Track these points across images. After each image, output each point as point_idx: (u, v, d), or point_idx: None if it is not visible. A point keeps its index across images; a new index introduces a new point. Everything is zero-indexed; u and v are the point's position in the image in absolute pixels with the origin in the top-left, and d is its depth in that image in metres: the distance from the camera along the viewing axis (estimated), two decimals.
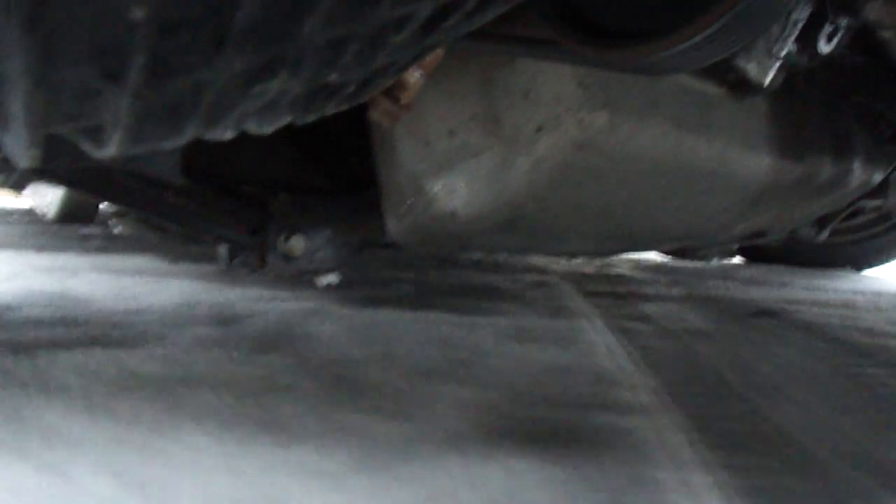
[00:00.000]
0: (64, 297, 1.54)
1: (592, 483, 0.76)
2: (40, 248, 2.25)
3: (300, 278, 1.72)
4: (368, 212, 1.37)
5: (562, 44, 0.71)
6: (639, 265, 2.70)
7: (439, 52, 0.89)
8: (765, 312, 1.78)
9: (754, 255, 3.17)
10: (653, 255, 3.40)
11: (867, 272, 2.95)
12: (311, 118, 0.58)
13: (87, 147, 0.47)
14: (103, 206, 3.63)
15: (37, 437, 0.81)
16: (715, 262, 2.45)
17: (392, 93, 0.94)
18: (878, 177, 1.36)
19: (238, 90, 0.47)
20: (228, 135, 0.53)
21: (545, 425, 0.91)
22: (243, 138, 0.59)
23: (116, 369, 1.04)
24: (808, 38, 0.96)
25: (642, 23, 0.67)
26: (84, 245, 2.51)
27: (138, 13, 0.36)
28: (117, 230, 1.46)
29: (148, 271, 1.92)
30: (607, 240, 1.37)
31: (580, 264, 2.47)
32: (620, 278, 2.25)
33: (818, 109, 1.20)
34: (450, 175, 1.07)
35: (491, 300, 1.70)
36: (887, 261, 2.93)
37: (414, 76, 0.93)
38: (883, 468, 0.84)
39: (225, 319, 1.37)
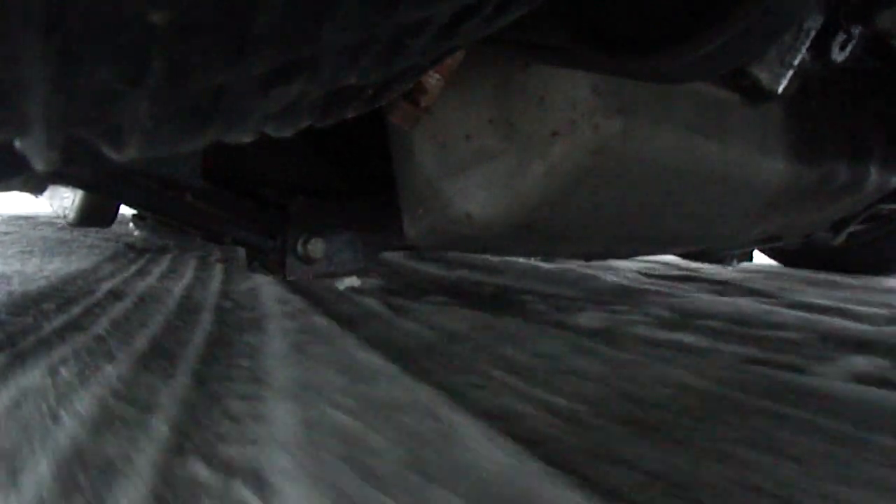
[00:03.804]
0: None
1: None
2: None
3: (320, 281, 1.74)
4: (387, 214, 1.38)
5: (577, 51, 0.72)
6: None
7: (458, 55, 0.89)
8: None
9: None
10: (667, 258, 3.42)
11: None
12: (330, 121, 0.59)
13: (106, 150, 0.47)
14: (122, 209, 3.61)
15: None
16: (734, 265, 2.45)
17: (412, 96, 0.95)
18: (895, 181, 1.35)
19: (257, 93, 0.47)
20: (248, 137, 0.53)
21: None
22: (263, 141, 0.60)
23: None
24: (821, 46, 0.96)
25: (657, 32, 0.67)
26: None
27: (157, 17, 0.37)
28: (136, 233, 1.48)
29: None
30: (622, 243, 1.37)
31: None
32: None
33: (834, 114, 1.20)
34: (466, 178, 1.07)
35: None
36: None
37: (433, 80, 0.93)
38: None
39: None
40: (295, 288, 2.34)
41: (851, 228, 1.80)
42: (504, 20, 0.56)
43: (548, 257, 2.98)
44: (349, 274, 1.50)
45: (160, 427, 1.10)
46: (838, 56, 0.98)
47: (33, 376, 1.36)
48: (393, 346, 1.70)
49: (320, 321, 1.90)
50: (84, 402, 1.20)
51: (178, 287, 2.43)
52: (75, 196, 3.50)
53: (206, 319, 1.90)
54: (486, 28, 0.55)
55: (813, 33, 0.92)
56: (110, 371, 1.40)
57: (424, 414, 1.19)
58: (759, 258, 3.48)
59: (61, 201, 3.75)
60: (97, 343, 1.63)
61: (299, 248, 1.37)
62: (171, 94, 0.43)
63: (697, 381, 1.45)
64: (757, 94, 0.99)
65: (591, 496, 0.91)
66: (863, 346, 1.73)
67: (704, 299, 2.41)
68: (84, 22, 0.36)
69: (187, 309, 2.03)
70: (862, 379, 1.45)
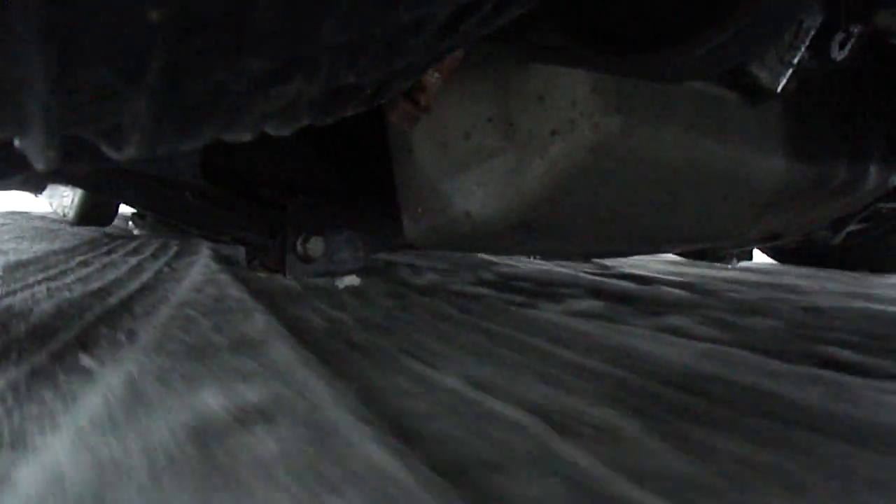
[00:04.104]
0: None
1: None
2: None
3: (319, 280, 1.82)
4: (386, 213, 1.38)
5: (577, 50, 0.72)
6: None
7: (458, 54, 0.89)
8: None
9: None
10: (667, 257, 3.47)
11: None
12: (329, 120, 0.59)
13: (106, 149, 0.47)
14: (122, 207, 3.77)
15: None
16: (734, 264, 2.45)
17: (411, 95, 0.95)
18: (894, 180, 1.35)
19: (256, 92, 0.47)
20: (247, 136, 0.53)
21: None
22: (262, 140, 0.60)
23: None
24: (820, 45, 0.96)
25: (656, 31, 0.67)
26: None
27: (156, 16, 0.37)
28: (136, 231, 1.63)
29: None
30: (621, 242, 1.37)
31: None
32: None
33: (833, 113, 1.20)
34: (465, 177, 1.07)
35: None
36: None
37: (432, 79, 0.93)
38: None
39: None
40: (223, 260, 3.14)
41: (851, 227, 1.80)
42: (503, 19, 0.56)
43: (547, 256, 3.00)
44: (349, 273, 1.50)
45: (88, 315, 1.84)
46: (838, 55, 0.98)
47: (20, 298, 2.10)
48: (263, 290, 2.34)
49: (225, 277, 2.58)
50: (49, 304, 1.99)
51: (135, 259, 3.14)
52: (75, 195, 3.54)
53: (145, 276, 2.63)
54: (485, 27, 0.55)
55: (812, 32, 0.91)
56: (69, 295, 2.15)
57: (244, 313, 1.90)
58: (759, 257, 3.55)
59: (61, 200, 3.81)
60: (64, 286, 2.34)
61: (299, 246, 1.37)
62: (170, 92, 0.43)
63: (456, 312, 2.06)
64: (756, 93, 0.99)
65: (311, 357, 1.44)
66: (609, 295, 2.43)
67: (533, 269, 3.17)
68: (83, 20, 0.36)
69: (136, 271, 2.79)
70: (574, 313, 2.07)
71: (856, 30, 0.97)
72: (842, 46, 0.97)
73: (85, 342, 1.54)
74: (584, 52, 0.71)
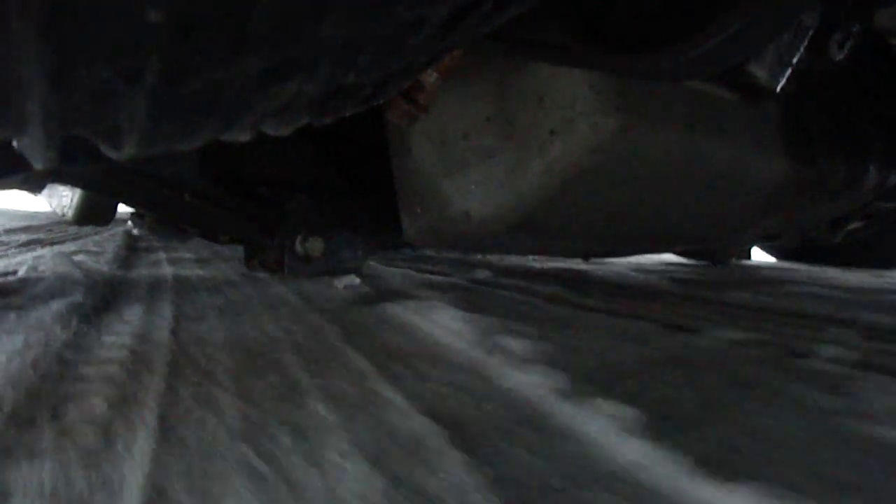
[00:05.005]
0: None
1: None
2: None
3: (318, 279, 1.79)
4: (385, 213, 1.38)
5: (577, 49, 0.72)
6: None
7: (456, 54, 0.89)
8: None
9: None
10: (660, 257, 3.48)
11: None
12: (328, 119, 0.58)
13: (104, 148, 0.47)
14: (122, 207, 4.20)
15: None
16: (733, 263, 2.45)
17: (410, 94, 0.95)
18: (893, 179, 1.35)
19: (255, 91, 0.47)
20: (246, 136, 0.53)
21: None
22: (261, 140, 0.59)
23: None
24: (819, 44, 0.95)
25: (656, 30, 0.67)
26: None
27: (155, 15, 0.37)
28: (136, 231, 1.73)
29: None
30: (620, 241, 1.37)
31: None
32: None
33: (833, 112, 1.19)
34: (464, 176, 1.07)
35: None
36: None
37: (431, 78, 0.93)
38: None
39: None
40: (129, 232, 4.73)
41: (851, 226, 1.79)
42: (503, 18, 0.56)
43: (546, 255, 2.99)
44: (348, 272, 1.50)
45: (44, 242, 3.31)
46: (837, 54, 0.97)
47: (13, 236, 3.67)
48: (156, 237, 3.59)
49: (120, 234, 4.20)
50: (25, 238, 3.56)
51: (76, 230, 4.75)
52: (74, 195, 3.63)
53: (81, 234, 4.07)
54: (485, 26, 0.55)
55: (811, 32, 0.91)
56: (35, 238, 3.58)
57: (114, 243, 3.34)
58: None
59: (60, 199, 3.99)
60: (37, 238, 3.66)
61: (298, 246, 1.37)
62: (168, 92, 0.43)
63: None
64: (755, 93, 0.99)
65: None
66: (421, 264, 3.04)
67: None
68: (82, 20, 0.36)
69: (76, 231, 4.42)
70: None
71: (855, 29, 0.97)
72: (841, 46, 0.97)
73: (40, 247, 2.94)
74: (584, 51, 0.71)
